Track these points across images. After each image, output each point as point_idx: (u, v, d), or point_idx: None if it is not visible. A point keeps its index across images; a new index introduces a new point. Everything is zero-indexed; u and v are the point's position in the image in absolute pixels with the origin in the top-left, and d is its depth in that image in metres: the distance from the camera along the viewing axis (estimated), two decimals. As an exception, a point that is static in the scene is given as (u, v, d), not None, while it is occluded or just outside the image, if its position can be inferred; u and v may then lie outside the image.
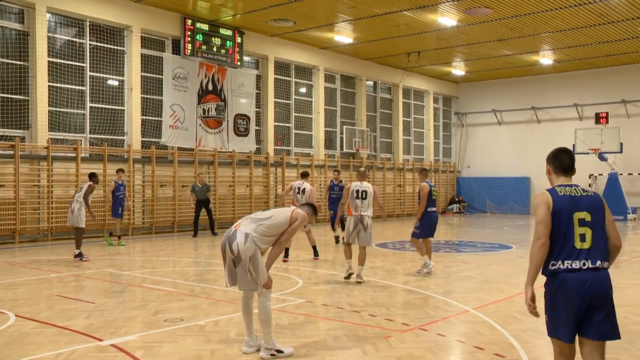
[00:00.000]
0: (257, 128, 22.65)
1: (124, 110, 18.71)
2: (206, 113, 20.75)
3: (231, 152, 21.24)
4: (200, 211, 18.17)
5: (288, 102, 24.10)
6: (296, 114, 24.39)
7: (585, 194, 4.01)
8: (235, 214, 20.81)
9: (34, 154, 16.58)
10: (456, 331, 6.78)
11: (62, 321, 7.06)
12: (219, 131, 21.15)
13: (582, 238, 3.88)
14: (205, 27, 20.35)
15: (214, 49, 20.64)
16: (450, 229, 22.58)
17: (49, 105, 16.76)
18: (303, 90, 24.91)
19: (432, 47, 24.57)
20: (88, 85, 17.83)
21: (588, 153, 25.33)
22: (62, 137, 17.32)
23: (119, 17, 18.33)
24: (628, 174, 27.08)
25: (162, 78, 19.55)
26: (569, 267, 3.85)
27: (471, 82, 32.14)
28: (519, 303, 7.76)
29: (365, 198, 10.09)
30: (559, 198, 3.95)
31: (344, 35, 22.71)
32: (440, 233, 18.99)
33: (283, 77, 23.85)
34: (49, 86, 16.76)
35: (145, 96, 19.20)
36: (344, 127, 26.07)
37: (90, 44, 17.88)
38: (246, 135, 22.03)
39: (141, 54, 18.99)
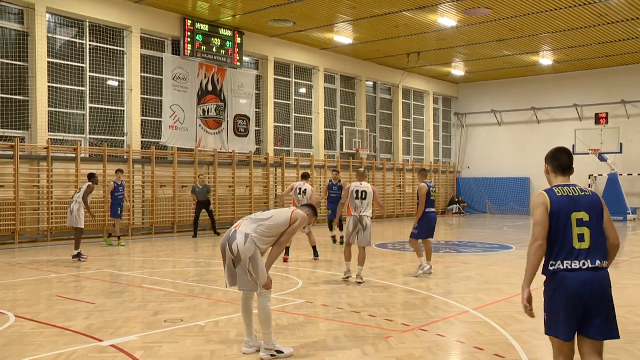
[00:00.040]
0: (256, 128, 22.65)
1: (123, 110, 18.71)
2: (206, 113, 20.75)
3: (231, 152, 21.24)
4: (200, 212, 18.19)
5: (288, 102, 24.10)
6: (296, 115, 24.39)
7: (583, 193, 4.01)
8: (235, 214, 20.80)
9: (33, 155, 16.58)
10: (456, 331, 6.78)
11: (61, 321, 7.06)
12: (219, 131, 21.15)
13: (581, 238, 3.88)
14: (204, 27, 20.35)
15: (214, 50, 20.64)
16: (450, 230, 22.58)
17: (48, 106, 16.76)
18: (303, 90, 24.91)
19: (432, 48, 24.58)
20: (88, 86, 17.83)
21: (588, 153, 25.33)
22: (61, 138, 17.32)
23: (119, 18, 18.33)
24: (628, 174, 27.08)
25: (161, 78, 19.55)
26: (569, 267, 3.85)
27: (471, 82, 32.13)
28: (519, 303, 7.64)
29: (365, 198, 10.10)
30: (556, 199, 3.95)
31: (343, 36, 22.70)
32: (440, 233, 19.03)
33: (283, 78, 23.85)
34: (48, 86, 16.76)
35: (145, 96, 19.21)
36: (344, 127, 26.07)
37: (89, 44, 17.88)
38: (246, 135, 22.03)
39: (141, 54, 19.00)
